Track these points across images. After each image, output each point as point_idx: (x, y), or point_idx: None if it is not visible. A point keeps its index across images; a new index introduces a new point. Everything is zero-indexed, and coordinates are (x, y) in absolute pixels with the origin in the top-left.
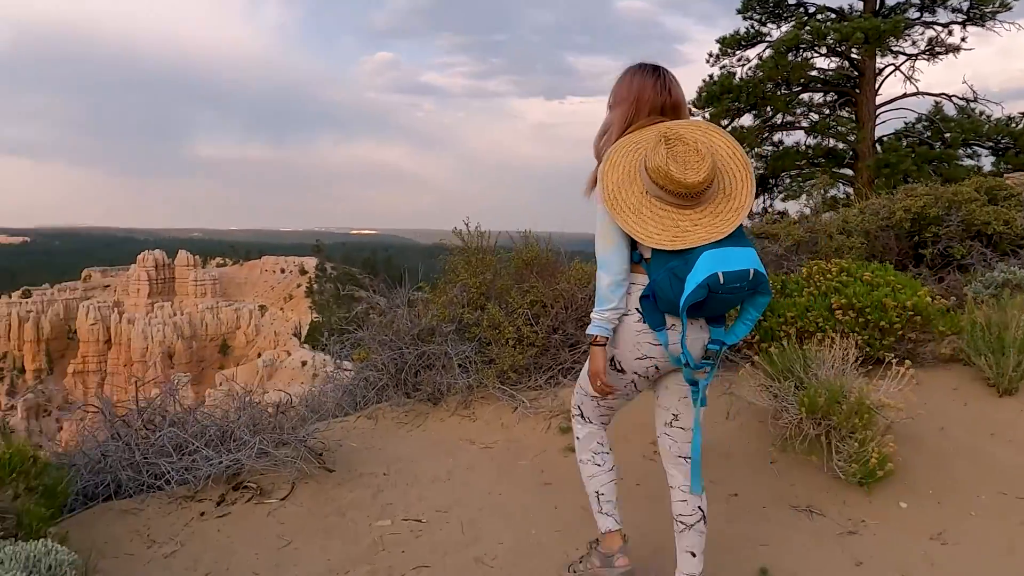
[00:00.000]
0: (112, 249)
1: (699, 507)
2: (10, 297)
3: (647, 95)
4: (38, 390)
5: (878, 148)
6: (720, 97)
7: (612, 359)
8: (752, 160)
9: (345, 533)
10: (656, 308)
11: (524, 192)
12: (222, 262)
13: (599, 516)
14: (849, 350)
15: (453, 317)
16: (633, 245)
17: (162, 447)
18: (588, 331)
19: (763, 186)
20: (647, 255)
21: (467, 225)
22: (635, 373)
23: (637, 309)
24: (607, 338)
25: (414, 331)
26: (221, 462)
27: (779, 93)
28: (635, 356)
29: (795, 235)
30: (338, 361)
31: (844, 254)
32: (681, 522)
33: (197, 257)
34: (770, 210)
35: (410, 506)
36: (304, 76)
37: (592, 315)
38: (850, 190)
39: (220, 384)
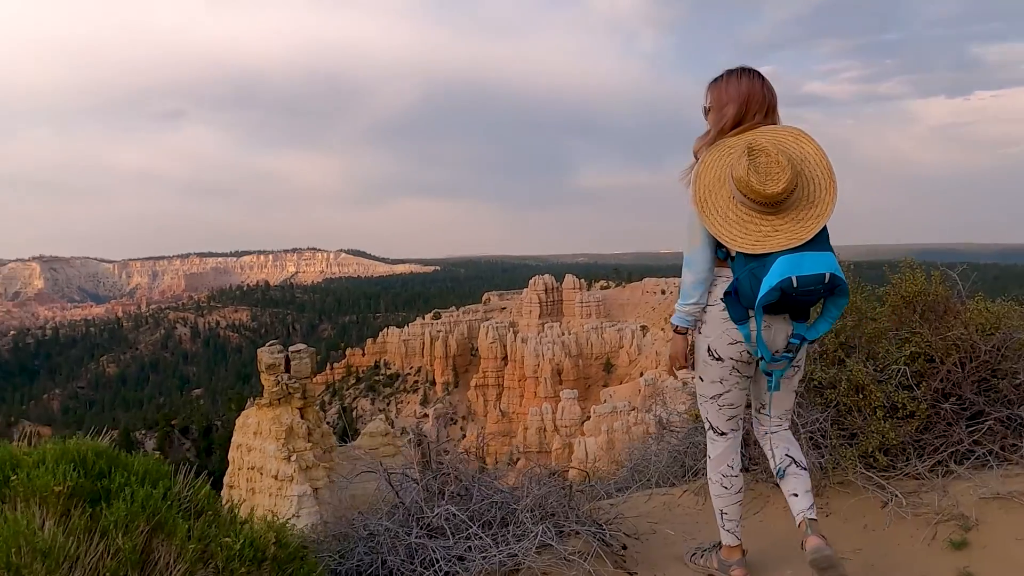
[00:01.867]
0: (508, 275)
1: (787, 454)
2: (423, 319)
3: (757, 95)
4: (446, 400)
5: None
6: None
7: (708, 348)
8: None
9: None
10: (738, 303)
11: (923, 202)
12: (605, 284)
13: (722, 531)
14: None
15: (802, 375)
16: (719, 244)
17: (439, 526)
18: (671, 320)
19: None
20: (732, 253)
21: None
22: (731, 359)
23: (722, 300)
24: (687, 328)
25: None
26: (495, 556)
27: None
28: (727, 342)
29: None
30: (666, 417)
31: None
32: (779, 473)
33: (583, 280)
34: None
35: None
36: (679, 100)
37: (676, 306)
38: None
39: (604, 401)
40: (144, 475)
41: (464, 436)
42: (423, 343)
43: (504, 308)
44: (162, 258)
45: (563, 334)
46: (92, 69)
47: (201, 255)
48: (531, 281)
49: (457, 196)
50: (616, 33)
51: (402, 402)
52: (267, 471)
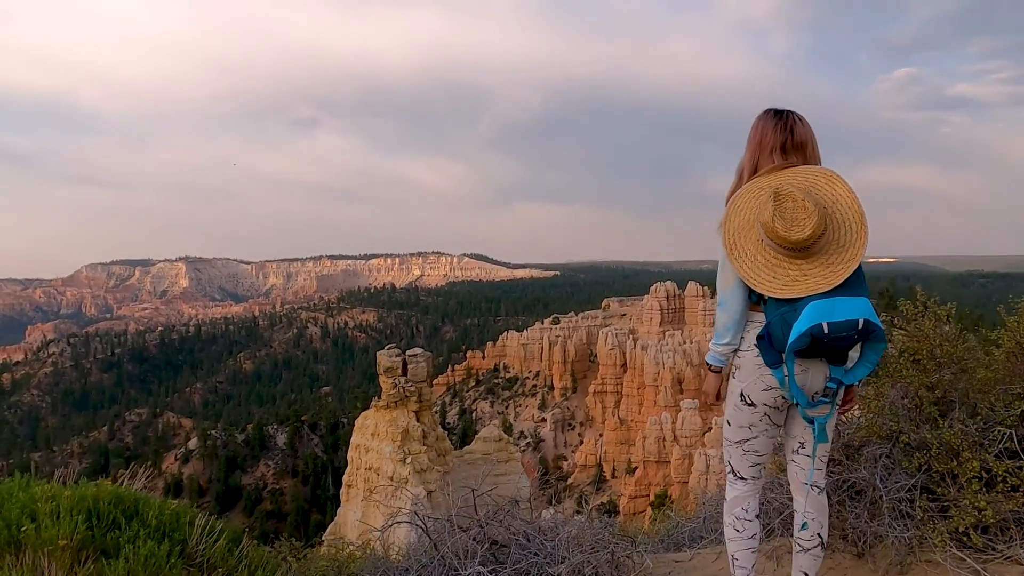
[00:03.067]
0: (628, 281)
1: (818, 534)
2: (543, 323)
3: (768, 138)
4: (564, 406)
5: None
6: None
7: (741, 393)
8: None
9: None
10: (771, 347)
11: None
12: None
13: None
14: None
15: (888, 433)
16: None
17: None
18: (706, 359)
19: None
20: (765, 297)
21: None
22: (765, 405)
23: (756, 345)
24: (720, 367)
25: (836, 443)
26: None
27: None
28: (761, 388)
29: None
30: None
31: None
32: (800, 545)
33: (706, 288)
34: None
35: None
36: (813, 102)
37: (710, 345)
38: None
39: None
40: (158, 526)
41: (582, 442)
42: (542, 348)
43: (624, 315)
44: (296, 260)
45: (684, 342)
46: (234, 79)
47: (332, 257)
48: (652, 288)
49: (579, 200)
50: (746, 34)
51: (520, 406)
52: (383, 472)
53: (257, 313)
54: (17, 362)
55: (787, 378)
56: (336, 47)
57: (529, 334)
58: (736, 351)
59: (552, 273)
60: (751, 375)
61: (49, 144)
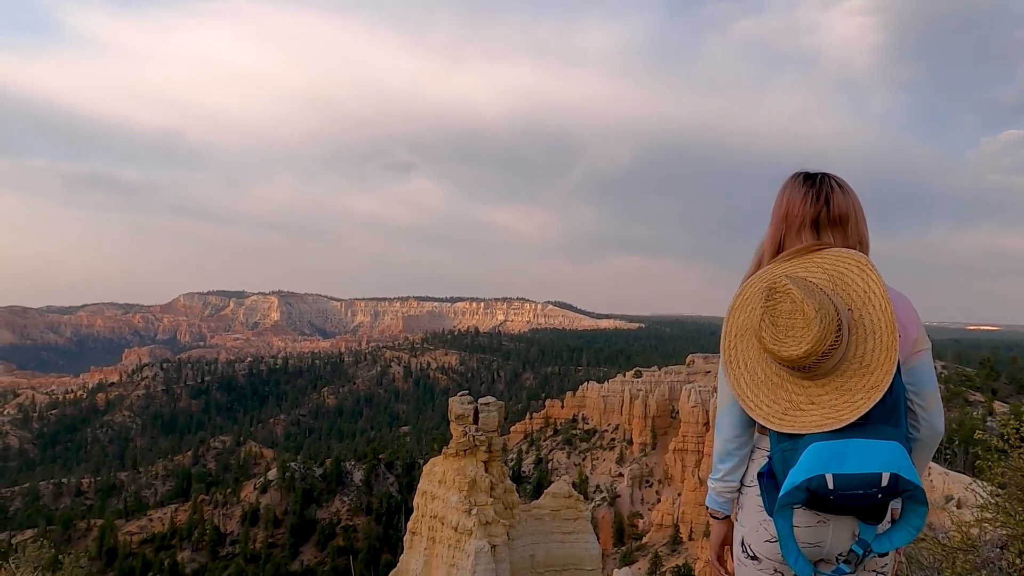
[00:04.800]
0: (715, 337)
1: None
2: (624, 376)
3: (796, 210)
4: (642, 462)
5: None
6: None
7: (743, 542)
8: None
9: None
10: (775, 488)
11: None
12: None
13: None
14: None
15: None
16: None
17: None
18: (706, 502)
19: None
20: None
21: None
22: (770, 560)
23: (757, 481)
24: (721, 512)
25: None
26: None
27: None
28: (764, 538)
29: None
30: None
31: None
32: None
33: None
34: None
35: None
36: (914, 163)
37: (708, 481)
38: None
39: None
40: None
41: (659, 500)
42: (622, 400)
43: (708, 372)
44: (384, 299)
45: None
46: (333, 122)
47: (419, 299)
48: None
49: (665, 254)
50: (845, 92)
51: (598, 459)
52: (448, 522)
53: (343, 349)
54: (112, 383)
55: (784, 536)
56: (433, 95)
57: (610, 386)
58: (741, 487)
59: (636, 325)
60: (752, 519)
61: (156, 178)
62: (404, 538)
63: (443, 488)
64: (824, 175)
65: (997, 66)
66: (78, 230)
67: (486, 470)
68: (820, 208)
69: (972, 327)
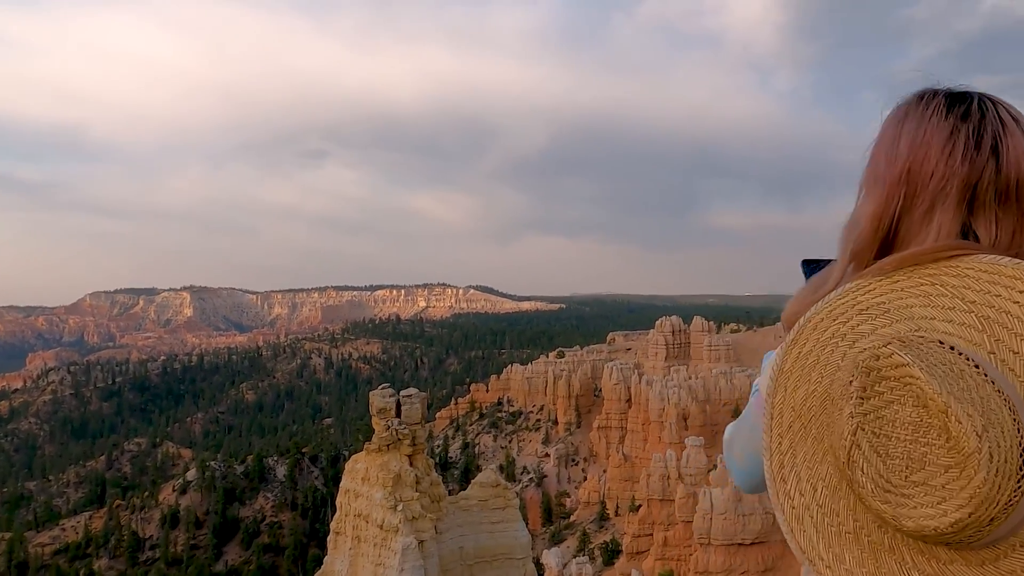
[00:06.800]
0: (634, 315)
1: None
2: (547, 357)
3: (930, 166)
4: (568, 441)
5: None
6: None
7: None
8: None
9: None
10: None
11: None
12: (736, 328)
13: None
14: None
15: None
16: None
17: None
18: None
19: None
20: None
21: None
22: None
23: None
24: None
25: None
26: None
27: None
28: None
29: None
30: None
31: None
32: None
33: (711, 322)
34: None
35: None
36: (818, 139)
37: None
38: None
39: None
40: None
41: (585, 478)
42: (546, 381)
43: (629, 349)
44: (301, 290)
45: (690, 378)
46: (242, 110)
47: (338, 288)
48: (657, 322)
49: (584, 234)
50: (751, 71)
51: (524, 440)
52: (373, 520)
53: (261, 343)
54: (16, 389)
55: None
56: (347, 81)
57: (533, 367)
58: None
59: (557, 306)
60: None
61: (57, 174)
62: (328, 539)
63: (367, 485)
64: (984, 98)
65: (892, 43)
66: None
67: (411, 464)
68: (983, 164)
69: None
